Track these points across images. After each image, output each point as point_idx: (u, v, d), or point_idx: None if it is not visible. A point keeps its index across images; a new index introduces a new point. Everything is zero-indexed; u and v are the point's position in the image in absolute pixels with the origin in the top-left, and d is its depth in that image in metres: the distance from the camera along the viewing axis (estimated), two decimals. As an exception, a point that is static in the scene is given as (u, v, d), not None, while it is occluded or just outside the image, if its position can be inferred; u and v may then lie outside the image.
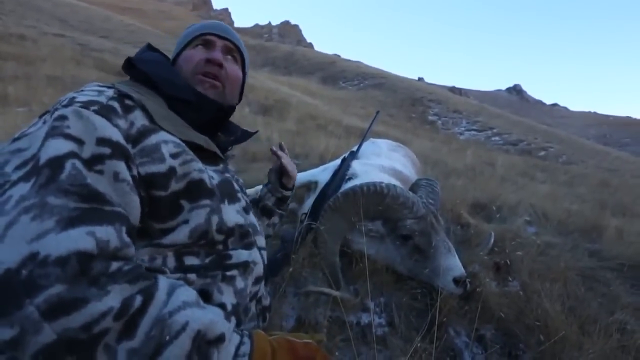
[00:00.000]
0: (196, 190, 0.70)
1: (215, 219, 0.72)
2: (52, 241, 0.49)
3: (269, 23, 71.16)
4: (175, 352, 0.53)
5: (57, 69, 5.34)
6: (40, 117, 0.65)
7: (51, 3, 15.25)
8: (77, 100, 0.64)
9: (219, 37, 0.93)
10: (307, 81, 14.12)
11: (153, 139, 0.67)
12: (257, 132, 1.01)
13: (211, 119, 0.87)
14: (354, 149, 2.04)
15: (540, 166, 6.99)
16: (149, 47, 0.93)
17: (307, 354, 0.66)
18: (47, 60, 5.48)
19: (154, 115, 0.70)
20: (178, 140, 0.71)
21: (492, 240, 1.80)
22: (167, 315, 0.54)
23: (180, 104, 0.81)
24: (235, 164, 3.04)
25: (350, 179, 1.70)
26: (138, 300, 0.53)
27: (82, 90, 0.69)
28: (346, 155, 1.94)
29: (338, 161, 1.94)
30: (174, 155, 0.68)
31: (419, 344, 1.11)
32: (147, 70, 0.80)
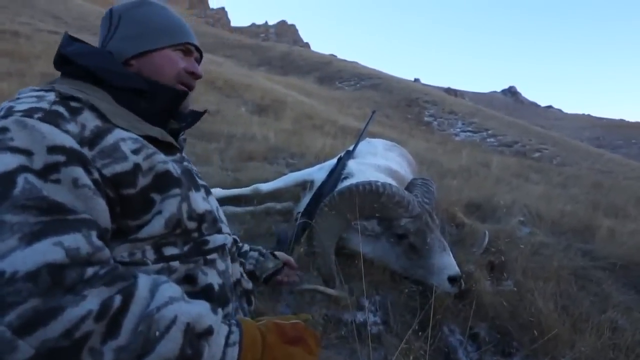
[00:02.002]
0: (164, 182, 0.70)
1: (185, 207, 0.72)
2: (18, 258, 0.47)
3: (266, 23, 71.26)
4: (169, 346, 0.53)
5: (51, 66, 5.22)
6: None
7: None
8: (16, 109, 0.59)
9: (195, 49, 0.92)
10: (304, 81, 14.08)
11: (110, 138, 0.65)
12: (206, 111, 0.98)
13: (166, 107, 0.84)
14: (350, 148, 2.05)
15: (534, 167, 7.04)
16: (71, 38, 0.83)
17: (296, 334, 0.67)
18: (41, 57, 5.40)
19: (106, 113, 0.68)
20: (135, 136, 0.70)
21: (487, 240, 1.81)
22: (154, 310, 0.54)
23: (130, 95, 0.77)
24: (231, 162, 3.03)
25: (346, 178, 1.70)
26: (117, 300, 0.52)
27: (17, 98, 0.64)
28: (342, 154, 1.94)
29: (334, 160, 1.94)
30: (135, 152, 0.67)
31: (413, 343, 1.12)
32: (89, 65, 0.74)
